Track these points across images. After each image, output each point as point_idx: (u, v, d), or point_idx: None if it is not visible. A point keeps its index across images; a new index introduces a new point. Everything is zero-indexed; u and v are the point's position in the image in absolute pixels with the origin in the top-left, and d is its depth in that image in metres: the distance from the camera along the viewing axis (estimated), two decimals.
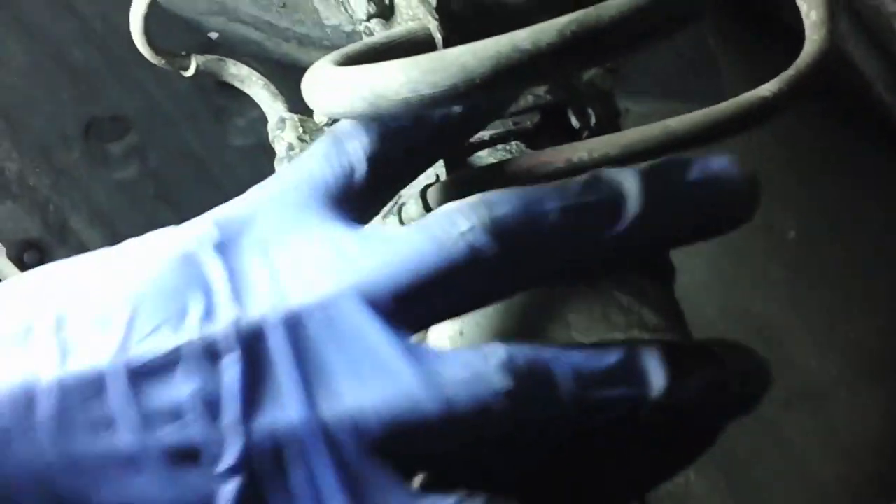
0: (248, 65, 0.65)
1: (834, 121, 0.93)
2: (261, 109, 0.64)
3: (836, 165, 0.99)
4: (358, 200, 0.46)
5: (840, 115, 0.90)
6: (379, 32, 0.59)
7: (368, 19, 0.58)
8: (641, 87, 0.98)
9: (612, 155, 0.49)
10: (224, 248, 0.44)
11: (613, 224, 0.43)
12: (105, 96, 1.02)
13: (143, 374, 0.40)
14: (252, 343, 0.41)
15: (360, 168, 0.46)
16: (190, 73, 0.61)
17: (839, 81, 0.77)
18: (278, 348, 0.41)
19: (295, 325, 0.41)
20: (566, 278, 0.48)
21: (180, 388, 0.40)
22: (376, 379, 0.41)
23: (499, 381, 0.41)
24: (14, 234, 1.00)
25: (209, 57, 0.62)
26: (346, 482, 0.40)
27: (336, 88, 0.42)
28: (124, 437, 0.40)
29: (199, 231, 0.45)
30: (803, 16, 0.56)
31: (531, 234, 0.42)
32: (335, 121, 0.60)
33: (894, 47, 0.64)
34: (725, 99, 1.05)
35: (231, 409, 0.40)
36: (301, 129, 0.60)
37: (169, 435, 0.40)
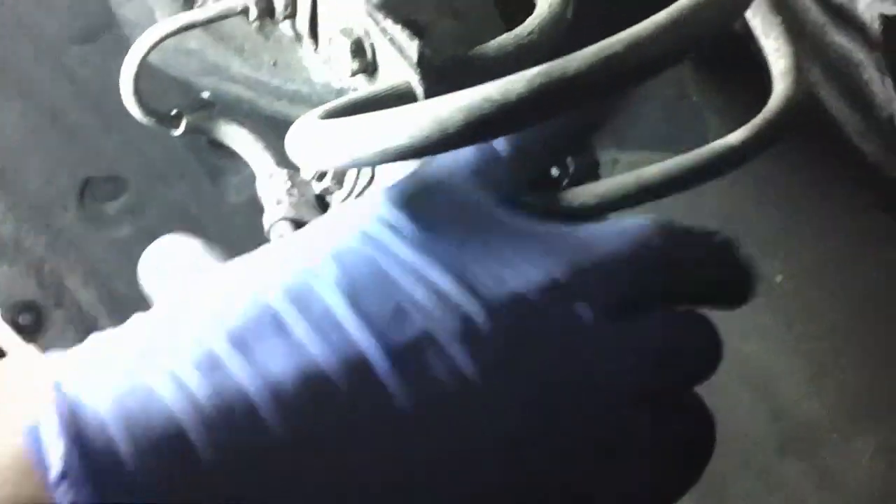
0: (240, 122, 0.67)
1: (816, 166, 0.94)
2: None
3: (819, 210, 1.00)
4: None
5: (821, 161, 0.91)
6: (363, 88, 0.60)
7: (353, 76, 0.60)
8: (629, 138, 1.00)
9: (590, 204, 0.51)
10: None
11: None
12: (100, 157, 1.03)
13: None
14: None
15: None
16: (179, 132, 0.63)
17: (816, 127, 0.79)
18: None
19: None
20: None
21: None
22: None
23: None
24: (10, 296, 1.00)
25: (198, 115, 0.64)
26: None
27: (316, 142, 0.43)
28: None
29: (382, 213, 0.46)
30: (771, 66, 0.57)
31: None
32: (323, 174, 0.61)
33: (863, 94, 0.66)
34: None
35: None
36: (289, 184, 0.62)
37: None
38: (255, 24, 0.89)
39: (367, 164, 0.42)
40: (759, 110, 0.68)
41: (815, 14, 0.64)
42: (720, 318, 1.11)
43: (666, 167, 0.50)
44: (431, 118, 0.40)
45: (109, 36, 0.98)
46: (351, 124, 0.42)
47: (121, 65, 0.98)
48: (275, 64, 0.90)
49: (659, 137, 1.03)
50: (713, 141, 1.09)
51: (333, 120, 0.44)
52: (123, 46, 0.96)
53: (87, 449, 0.37)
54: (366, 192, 0.58)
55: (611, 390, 0.44)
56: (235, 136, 0.65)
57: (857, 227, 0.98)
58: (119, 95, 1.00)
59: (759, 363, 1.09)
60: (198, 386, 0.40)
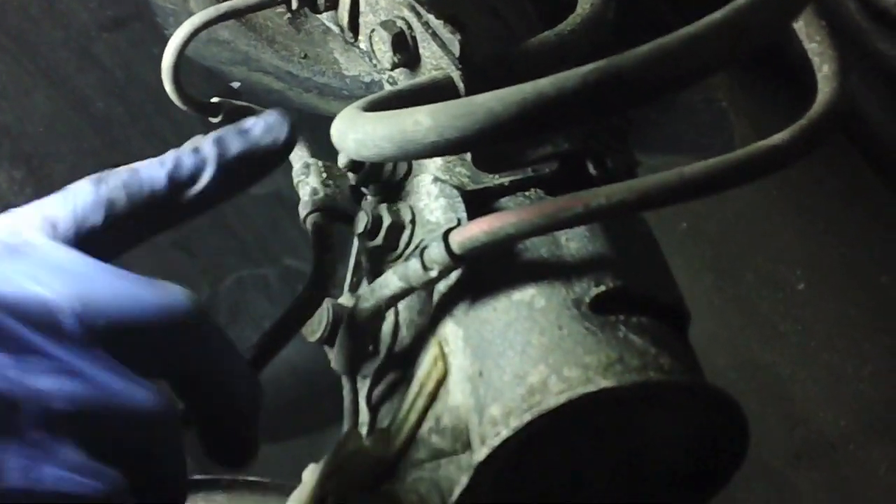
0: None
1: (843, 174, 0.94)
2: None
3: (843, 218, 1.00)
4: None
5: (849, 169, 0.91)
6: (402, 82, 0.61)
7: (393, 69, 0.60)
8: (653, 142, 1.00)
9: (630, 200, 0.50)
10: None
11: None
12: (125, 145, 1.03)
13: None
14: None
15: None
16: (218, 119, 0.63)
17: (848, 135, 0.79)
18: None
19: None
20: None
21: None
22: None
23: None
24: None
25: (237, 103, 0.64)
26: None
27: (366, 133, 0.43)
28: None
29: None
30: (815, 69, 0.57)
31: None
32: (357, 164, 0.61)
33: None
34: None
35: None
36: (325, 175, 0.61)
37: None
38: (288, 16, 0.90)
39: (416, 157, 0.42)
40: (792, 114, 0.67)
41: (859, 20, 0.63)
42: (740, 326, 1.10)
43: (709, 165, 0.50)
44: (485, 112, 0.40)
45: (139, 25, 0.98)
46: (401, 116, 0.42)
47: (148, 54, 0.98)
48: (305, 56, 0.90)
49: (684, 142, 1.03)
50: (740, 145, 1.09)
51: (383, 112, 0.44)
52: (152, 35, 0.96)
53: None
54: (403, 184, 0.58)
55: None
56: None
57: (881, 236, 0.98)
58: (146, 85, 1.00)
59: (778, 371, 1.09)
60: None
